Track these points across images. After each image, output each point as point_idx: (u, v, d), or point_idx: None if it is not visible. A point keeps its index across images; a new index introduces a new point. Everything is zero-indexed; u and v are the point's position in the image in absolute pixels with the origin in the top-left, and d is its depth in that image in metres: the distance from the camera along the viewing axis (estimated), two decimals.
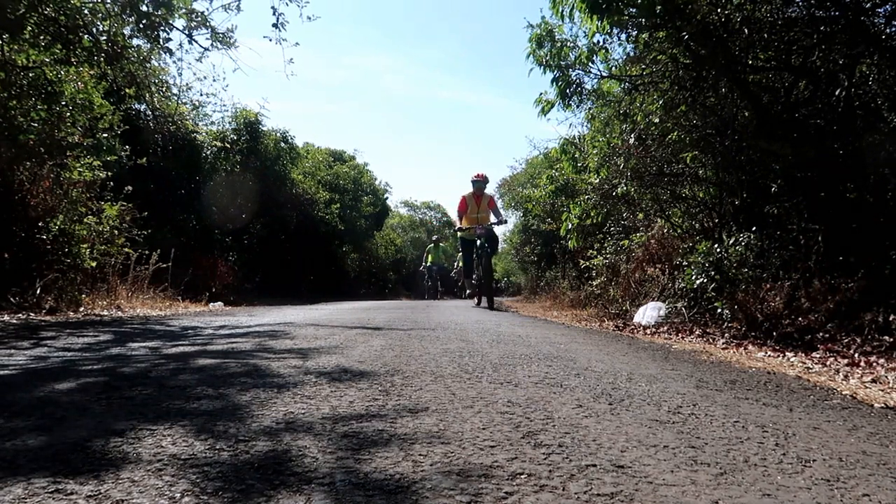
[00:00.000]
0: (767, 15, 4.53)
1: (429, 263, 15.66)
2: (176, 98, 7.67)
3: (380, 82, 77.37)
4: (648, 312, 5.16)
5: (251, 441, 1.22)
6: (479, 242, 7.70)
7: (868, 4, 4.21)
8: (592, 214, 6.45)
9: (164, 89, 7.14)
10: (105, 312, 5.12)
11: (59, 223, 5.09)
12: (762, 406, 1.77)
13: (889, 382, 2.35)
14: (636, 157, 5.40)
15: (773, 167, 4.77)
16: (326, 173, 16.54)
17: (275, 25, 5.44)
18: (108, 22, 4.95)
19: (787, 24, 4.44)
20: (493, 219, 7.85)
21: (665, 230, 6.24)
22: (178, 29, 5.12)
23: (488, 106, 75.98)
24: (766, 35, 4.46)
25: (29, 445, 1.16)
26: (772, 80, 4.89)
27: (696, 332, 4.15)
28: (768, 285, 3.92)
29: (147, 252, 6.49)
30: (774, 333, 3.59)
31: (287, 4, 5.44)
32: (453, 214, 7.78)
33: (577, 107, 5.77)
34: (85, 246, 5.29)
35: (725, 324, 4.14)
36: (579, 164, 6.65)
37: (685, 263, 5.09)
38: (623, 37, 5.10)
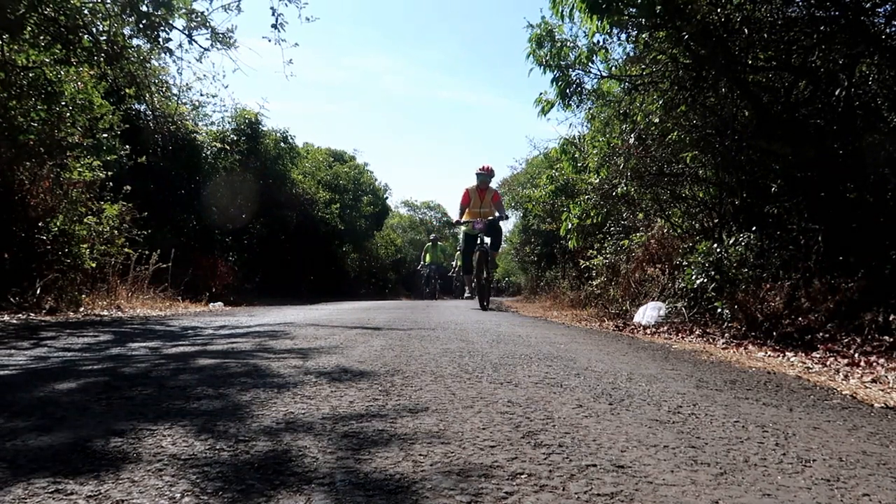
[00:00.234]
0: (767, 15, 4.53)
1: (427, 263, 15.24)
2: (176, 98, 7.68)
3: (379, 83, 77.37)
4: (648, 312, 5.16)
5: (251, 441, 1.22)
6: (480, 238, 7.32)
7: (868, 4, 4.21)
8: (592, 214, 6.45)
9: (164, 89, 7.15)
10: (105, 312, 5.12)
11: (59, 223, 5.09)
12: (762, 406, 1.77)
13: (889, 382, 2.35)
14: (636, 157, 5.40)
15: (773, 167, 4.77)
16: (326, 173, 16.53)
17: (274, 26, 5.44)
18: (108, 22, 4.95)
19: (787, 24, 4.44)
20: (496, 214, 7.42)
21: (665, 230, 6.24)
22: (178, 29, 5.12)
23: (488, 106, 75.99)
24: (766, 35, 4.46)
25: (29, 445, 1.16)
26: (772, 79, 4.89)
27: (696, 332, 4.15)
28: (768, 285, 3.92)
29: (147, 252, 6.49)
30: (774, 333, 3.60)
31: (286, 5, 5.44)
32: (453, 213, 7.43)
33: (577, 107, 5.78)
34: (85, 246, 5.29)
35: (725, 324, 4.14)
36: (579, 164, 6.65)
37: (685, 263, 5.10)
38: (623, 37, 5.11)
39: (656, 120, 5.16)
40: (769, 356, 3.11)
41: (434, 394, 1.73)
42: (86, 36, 4.83)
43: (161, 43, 4.91)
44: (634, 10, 4.49)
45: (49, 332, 3.36)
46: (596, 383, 2.00)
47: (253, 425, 1.34)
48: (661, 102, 5.12)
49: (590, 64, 5.37)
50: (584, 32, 5.12)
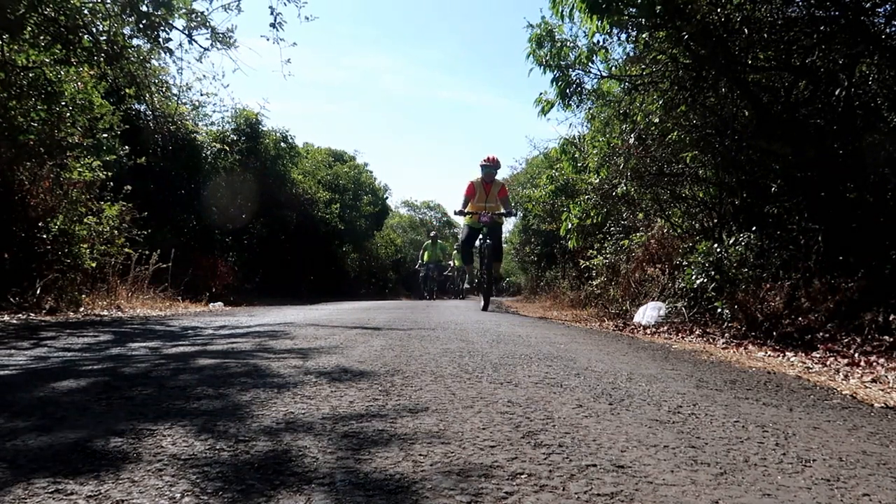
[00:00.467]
0: (767, 15, 4.53)
1: (425, 261, 14.77)
2: (176, 98, 7.67)
3: (379, 82, 77.38)
4: (648, 312, 5.16)
5: (251, 441, 1.22)
6: (483, 231, 6.88)
7: (868, 4, 4.21)
8: (592, 214, 6.45)
9: (164, 89, 7.15)
10: (105, 312, 5.12)
11: (59, 223, 5.09)
12: (762, 406, 1.77)
13: (889, 382, 2.35)
14: (636, 157, 5.40)
15: (773, 167, 4.77)
16: (326, 173, 16.53)
17: (272, 25, 5.44)
18: (108, 22, 4.95)
19: (787, 24, 4.44)
20: (502, 210, 7.00)
21: (665, 230, 6.24)
22: (178, 29, 5.12)
23: (488, 106, 76.00)
24: (766, 35, 4.46)
25: (29, 445, 1.16)
26: (772, 79, 4.89)
27: (696, 332, 4.15)
28: (768, 285, 3.92)
29: (147, 252, 6.48)
30: (774, 333, 3.60)
31: (285, 4, 5.43)
32: (455, 209, 7.18)
33: (577, 107, 5.77)
34: (85, 246, 5.29)
35: (725, 324, 4.14)
36: (579, 164, 6.65)
37: (685, 263, 5.10)
38: (623, 37, 5.10)
39: (656, 120, 5.16)
40: (769, 356, 3.11)
41: (434, 394, 1.73)
42: (86, 36, 4.83)
43: (161, 43, 4.91)
44: (634, 10, 4.49)
45: (49, 332, 3.36)
46: (596, 383, 2.00)
47: (253, 425, 1.34)
48: (661, 102, 5.12)
49: (590, 64, 5.37)
50: (584, 32, 5.12)
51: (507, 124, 76.80)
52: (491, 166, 7.04)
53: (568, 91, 5.47)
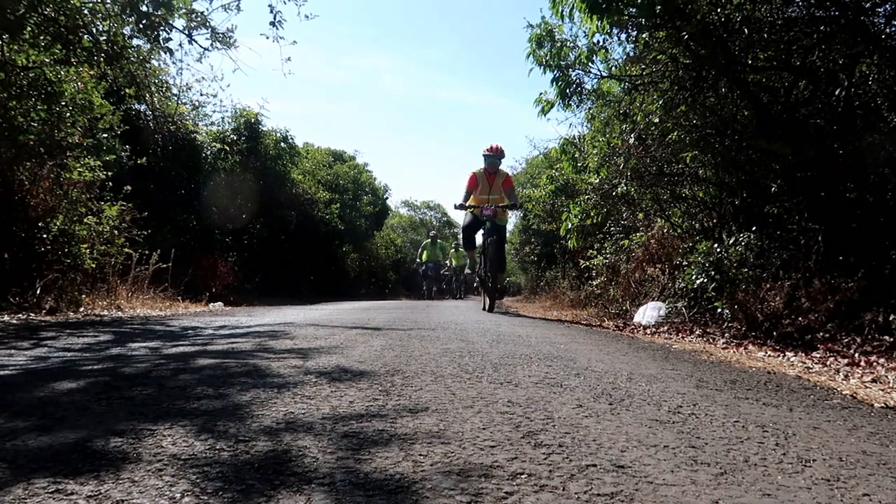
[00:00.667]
0: (767, 15, 4.53)
1: (424, 260, 14.54)
2: (176, 98, 7.67)
3: (379, 82, 77.30)
4: (648, 312, 5.16)
5: (251, 441, 1.22)
6: (487, 225, 6.40)
7: (868, 4, 4.21)
8: (592, 214, 6.45)
9: (164, 89, 7.14)
10: (105, 313, 5.12)
11: (59, 223, 5.09)
12: (762, 406, 1.77)
13: (889, 382, 2.35)
14: (636, 157, 5.40)
15: (773, 167, 4.77)
16: (326, 173, 16.52)
17: (272, 24, 5.44)
18: (108, 22, 4.95)
19: (786, 24, 4.45)
20: (507, 202, 6.54)
21: (665, 230, 6.24)
22: (178, 29, 5.12)
23: (488, 106, 75.95)
24: (766, 35, 4.46)
25: (29, 445, 1.16)
26: (772, 79, 4.89)
27: (696, 332, 4.15)
28: (768, 285, 3.92)
29: (147, 252, 6.48)
30: (774, 333, 3.60)
31: (285, 3, 5.43)
32: (451, 212, 7.02)
33: (577, 107, 5.77)
34: (85, 246, 5.28)
35: (725, 324, 4.14)
36: (579, 164, 6.65)
37: (685, 263, 5.10)
38: (623, 37, 5.11)
39: (656, 120, 5.16)
40: (769, 356, 3.11)
41: (434, 394, 1.73)
42: (86, 36, 4.83)
43: (161, 43, 4.91)
44: (634, 10, 4.50)
45: (49, 332, 3.36)
46: (596, 383, 2.00)
47: (253, 425, 1.34)
48: (661, 102, 5.13)
49: (590, 64, 5.38)
50: (584, 32, 5.13)
51: (507, 124, 76.76)
52: (494, 156, 6.55)
53: (568, 91, 5.47)
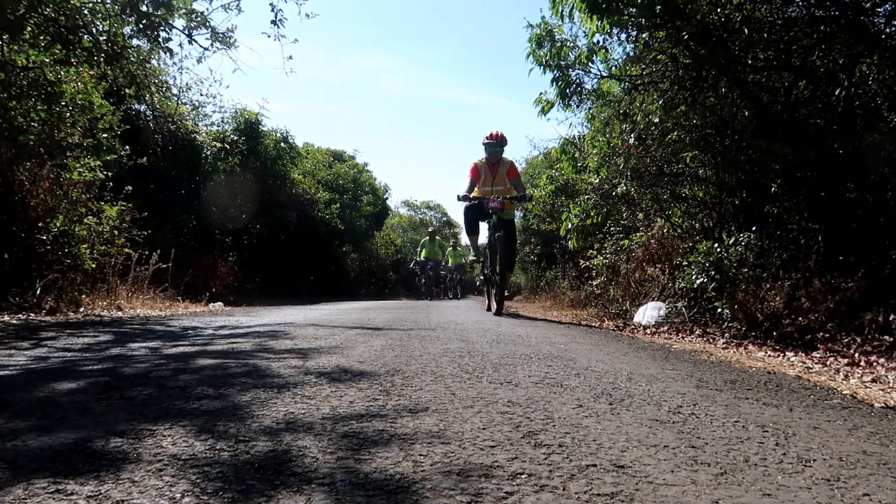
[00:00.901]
0: (767, 15, 4.53)
1: (423, 258, 14.05)
2: (176, 98, 7.67)
3: (379, 82, 77.34)
4: (648, 312, 5.16)
5: (251, 441, 1.22)
6: (494, 219, 5.75)
7: (868, 4, 4.21)
8: (592, 214, 6.45)
9: (164, 89, 7.14)
10: (105, 313, 5.12)
11: (59, 224, 5.09)
12: (762, 406, 1.77)
13: (889, 382, 2.35)
14: (636, 157, 5.41)
15: (773, 167, 4.77)
16: (326, 173, 16.53)
17: (273, 22, 5.46)
18: (108, 22, 4.95)
19: (786, 24, 4.45)
20: (514, 193, 5.94)
21: (665, 230, 6.24)
22: (177, 29, 5.12)
23: (488, 106, 75.94)
24: (766, 35, 4.47)
25: (29, 446, 1.16)
26: (772, 79, 4.90)
27: (696, 332, 4.15)
28: (768, 285, 3.92)
29: (147, 252, 6.48)
30: (774, 333, 3.60)
31: (286, 1, 5.44)
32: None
33: (577, 107, 5.78)
34: (85, 246, 5.28)
35: (725, 324, 4.14)
36: (579, 164, 6.65)
37: (685, 263, 5.10)
38: (623, 37, 5.11)
39: (656, 120, 5.16)
40: (769, 356, 3.11)
41: (434, 394, 1.73)
42: (86, 36, 4.83)
43: (161, 43, 4.91)
44: (634, 10, 4.50)
45: (49, 332, 3.36)
46: (596, 383, 2.00)
47: (253, 425, 1.34)
48: (661, 102, 5.13)
49: (590, 64, 5.38)
50: (584, 32, 5.13)
51: (507, 124, 76.90)
52: (495, 143, 5.93)
53: (568, 91, 5.47)
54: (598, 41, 5.19)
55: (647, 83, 5.23)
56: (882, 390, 2.20)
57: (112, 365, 2.17)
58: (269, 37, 5.52)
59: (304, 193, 13.47)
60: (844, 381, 2.39)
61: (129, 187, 6.14)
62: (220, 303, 7.86)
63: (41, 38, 4.71)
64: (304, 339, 3.08)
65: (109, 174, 5.74)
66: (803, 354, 3.09)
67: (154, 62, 6.15)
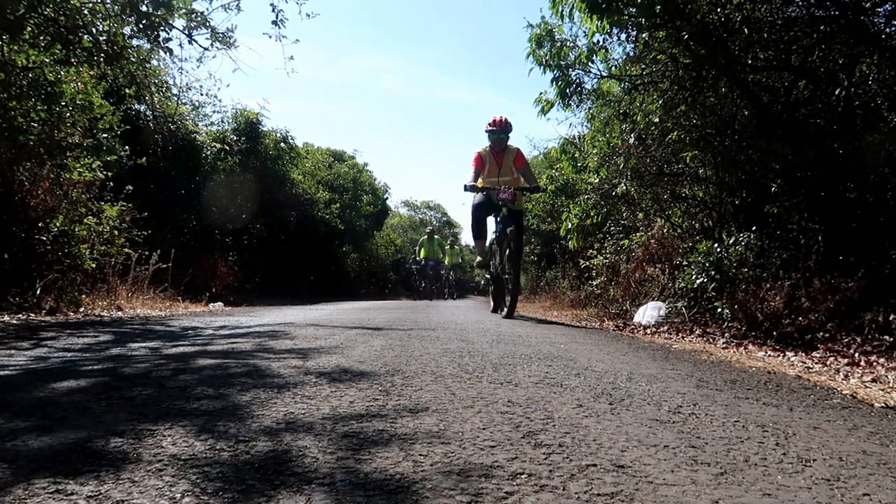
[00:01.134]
0: (767, 15, 4.53)
1: (422, 257, 13.88)
2: (176, 98, 7.67)
3: (379, 82, 77.31)
4: (648, 312, 5.16)
5: (251, 441, 1.22)
6: (504, 212, 5.28)
7: (868, 4, 4.21)
8: (592, 214, 6.45)
9: (164, 89, 7.15)
10: (105, 313, 5.12)
11: (59, 224, 5.09)
12: (762, 406, 1.77)
13: (889, 382, 2.35)
14: (636, 157, 5.41)
15: (773, 167, 4.77)
16: (326, 173, 16.53)
17: (274, 23, 5.46)
18: (108, 22, 4.95)
19: (786, 24, 4.45)
20: (524, 184, 5.47)
21: (665, 230, 6.24)
22: (178, 29, 5.12)
23: (488, 106, 75.94)
24: (765, 35, 4.47)
25: (29, 446, 1.16)
26: (772, 79, 4.90)
27: (696, 332, 4.15)
28: (768, 285, 3.92)
29: (147, 252, 6.49)
30: (774, 333, 3.60)
31: (286, 1, 5.44)
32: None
33: (577, 107, 5.78)
34: (85, 246, 5.28)
35: (725, 323, 4.14)
36: (579, 164, 6.65)
37: (685, 263, 5.10)
38: (623, 37, 5.11)
39: (656, 120, 5.16)
40: (769, 356, 3.11)
41: (434, 394, 1.73)
42: (86, 36, 4.83)
43: (161, 43, 4.91)
44: (634, 10, 4.50)
45: (49, 332, 3.36)
46: (596, 383, 2.00)
47: (253, 425, 1.34)
48: (661, 102, 5.13)
49: (590, 64, 5.38)
50: (584, 32, 5.13)
51: None
52: (499, 130, 5.45)
53: (568, 91, 5.47)
54: (598, 41, 5.20)
55: (647, 83, 5.23)
56: (882, 390, 2.20)
57: (112, 365, 2.17)
58: (270, 37, 5.53)
59: (303, 193, 13.48)
60: (844, 381, 2.39)
61: (129, 187, 6.14)
62: (220, 303, 7.86)
63: (41, 38, 4.71)
64: (304, 339, 3.08)
65: (109, 174, 5.74)
66: (803, 354, 3.09)
67: (154, 62, 6.15)
